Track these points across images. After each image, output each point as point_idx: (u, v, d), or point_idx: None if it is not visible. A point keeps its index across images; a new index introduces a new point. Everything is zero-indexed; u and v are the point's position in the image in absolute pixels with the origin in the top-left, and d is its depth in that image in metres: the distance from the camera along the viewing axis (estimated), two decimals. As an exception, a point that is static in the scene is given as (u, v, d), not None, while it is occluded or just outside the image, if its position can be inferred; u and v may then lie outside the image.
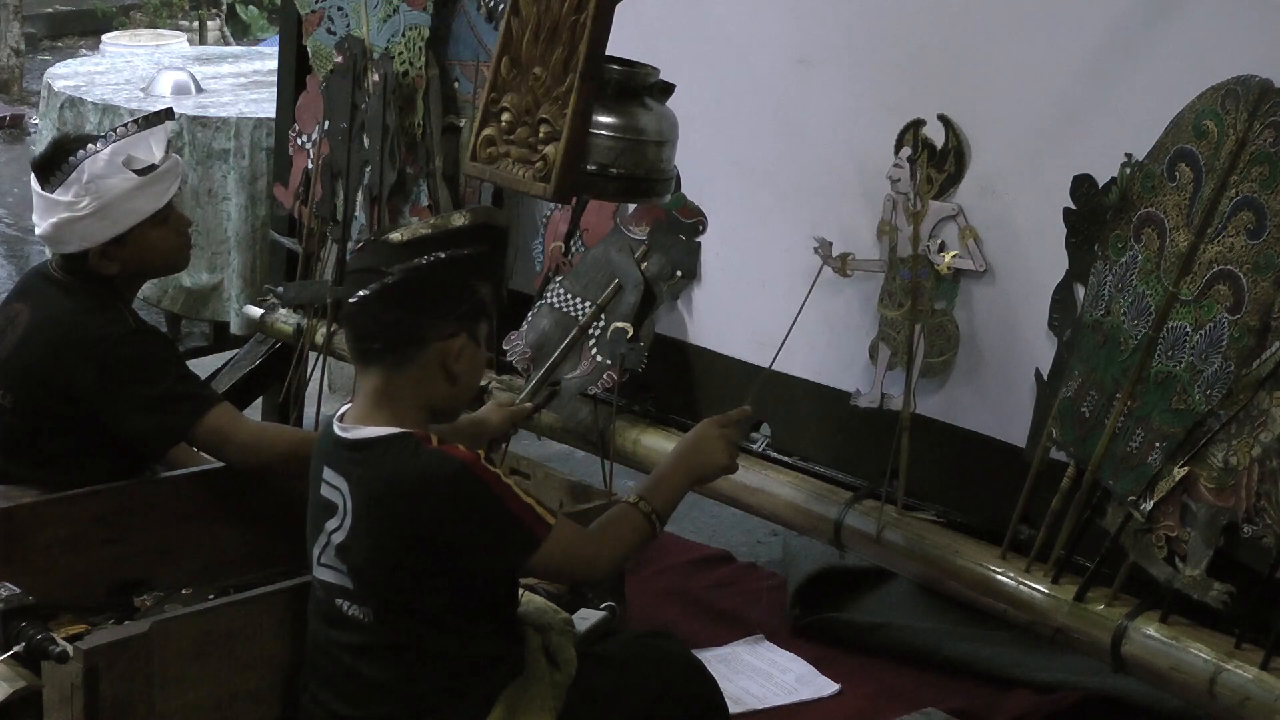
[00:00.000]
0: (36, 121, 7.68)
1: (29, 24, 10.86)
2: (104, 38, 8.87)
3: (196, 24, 10.31)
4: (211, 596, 2.86)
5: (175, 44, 8.28)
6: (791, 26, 3.38)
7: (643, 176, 2.77)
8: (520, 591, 2.66)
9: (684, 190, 3.52)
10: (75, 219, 3.07)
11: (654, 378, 3.62)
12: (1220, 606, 2.67)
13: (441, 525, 2.42)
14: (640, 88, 2.78)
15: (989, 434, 3.15)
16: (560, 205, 3.48)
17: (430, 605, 2.47)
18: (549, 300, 3.70)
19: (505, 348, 3.71)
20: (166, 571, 3.08)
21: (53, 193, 3.07)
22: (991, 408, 3.14)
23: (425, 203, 4.03)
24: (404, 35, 3.99)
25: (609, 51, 2.72)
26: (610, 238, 3.66)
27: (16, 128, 9.34)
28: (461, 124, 3.94)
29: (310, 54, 4.26)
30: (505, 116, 2.79)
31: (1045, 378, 3.01)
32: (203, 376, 3.84)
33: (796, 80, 3.38)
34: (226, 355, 4.80)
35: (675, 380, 3.67)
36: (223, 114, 5.26)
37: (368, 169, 4.03)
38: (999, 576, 3.01)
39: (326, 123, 4.10)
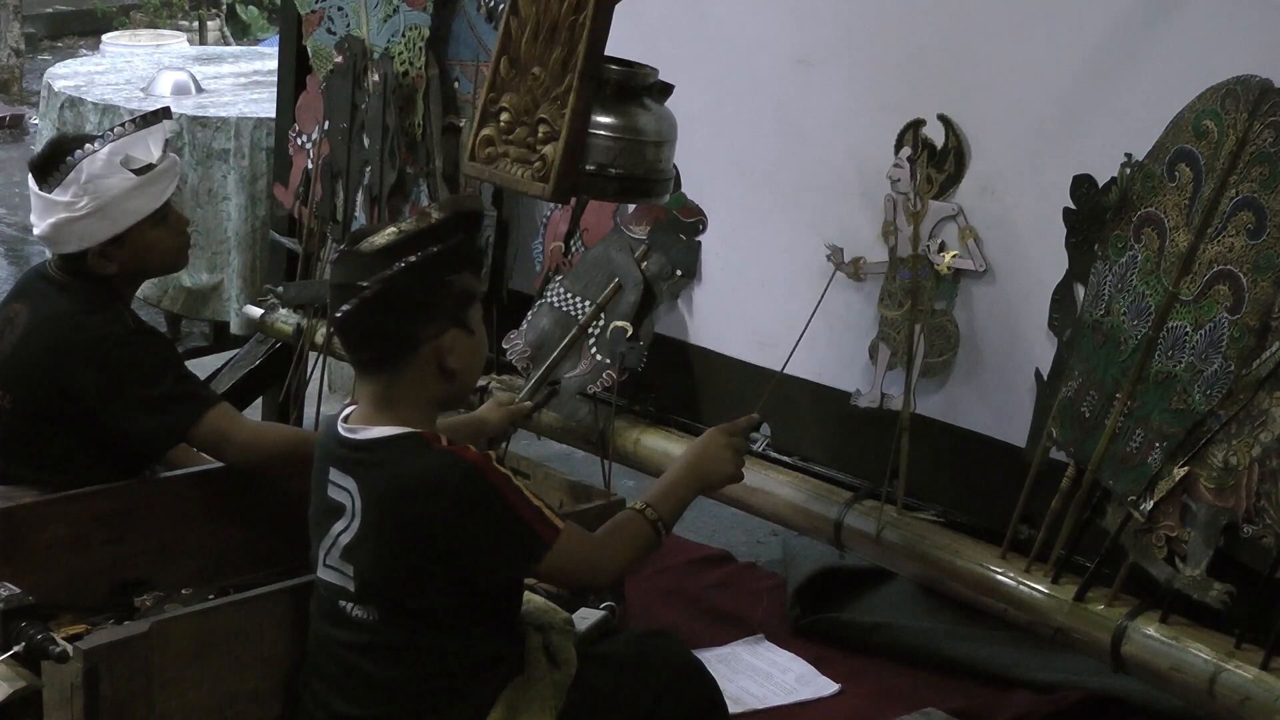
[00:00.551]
0: (36, 121, 7.68)
1: (29, 24, 10.85)
2: (104, 38, 8.87)
3: (196, 24, 10.31)
4: (211, 596, 2.86)
5: (175, 44, 8.28)
6: (791, 26, 3.38)
7: (642, 176, 2.77)
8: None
9: (684, 190, 3.52)
10: (73, 219, 3.06)
11: (654, 377, 3.62)
12: (1220, 606, 2.68)
13: (450, 527, 2.42)
14: (639, 88, 2.78)
15: (989, 434, 3.15)
16: (560, 205, 3.48)
17: (435, 606, 2.47)
18: (549, 300, 3.70)
19: (505, 346, 3.71)
20: (166, 571, 3.08)
21: (51, 193, 3.07)
22: (991, 408, 3.14)
23: (425, 203, 4.03)
24: (404, 35, 3.99)
25: (608, 51, 2.72)
26: (610, 237, 3.67)
27: (16, 128, 9.34)
28: (461, 124, 3.94)
29: (310, 54, 4.26)
30: (504, 116, 2.79)
31: (1045, 378, 3.01)
32: (203, 376, 3.84)
33: (796, 80, 3.38)
34: (226, 355, 4.80)
35: (675, 380, 3.67)
36: (223, 114, 5.26)
37: (368, 169, 4.03)
38: (999, 576, 3.01)
39: (326, 123, 4.10)
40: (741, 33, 3.47)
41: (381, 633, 2.48)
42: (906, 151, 3.16)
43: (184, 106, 5.29)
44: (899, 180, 3.17)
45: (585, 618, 2.78)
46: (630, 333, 3.50)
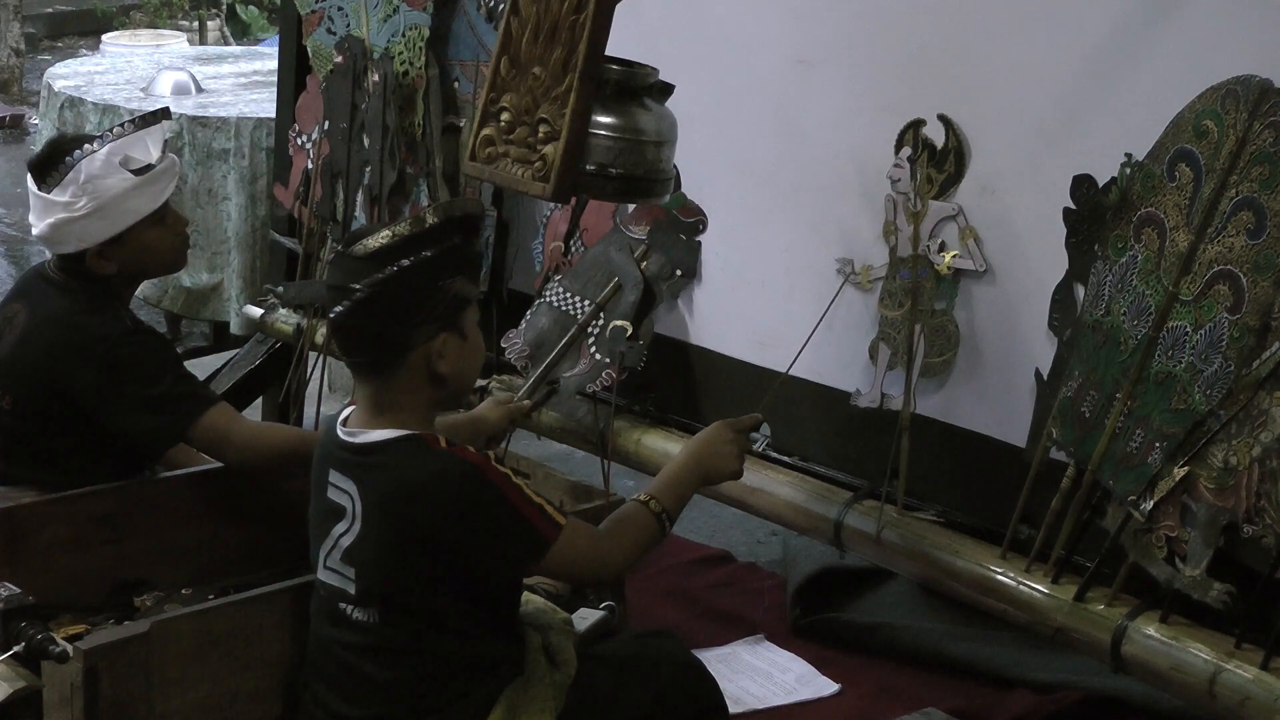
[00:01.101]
0: (36, 121, 7.69)
1: (29, 24, 10.85)
2: (104, 38, 8.87)
3: (196, 24, 10.31)
4: (211, 596, 2.86)
5: (175, 44, 8.28)
6: (791, 26, 3.38)
7: (642, 176, 2.77)
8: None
9: (684, 190, 3.52)
10: (72, 219, 3.06)
11: (654, 377, 3.62)
12: (1220, 606, 2.67)
13: (451, 528, 2.42)
14: (640, 88, 2.77)
15: (989, 434, 3.15)
16: (560, 205, 3.48)
17: (436, 607, 2.47)
18: (548, 299, 3.70)
19: (504, 346, 3.71)
20: (166, 571, 3.08)
21: (49, 193, 3.07)
22: (991, 408, 3.14)
23: (425, 203, 4.03)
24: (404, 35, 3.99)
25: (608, 51, 2.72)
26: (610, 237, 3.67)
27: (16, 128, 9.34)
28: (461, 124, 3.94)
29: (310, 54, 4.26)
30: (504, 116, 2.79)
31: (1045, 378, 3.01)
32: (202, 376, 3.84)
33: (796, 80, 3.38)
34: (226, 355, 4.80)
35: (675, 380, 3.67)
36: (223, 114, 5.26)
37: (368, 169, 4.03)
38: (999, 576, 3.01)
39: (326, 123, 4.10)
40: (741, 33, 3.47)
41: (382, 634, 2.48)
42: (906, 151, 3.16)
43: (184, 106, 5.29)
44: (899, 180, 3.17)
45: (585, 618, 2.78)
46: (630, 332, 3.50)
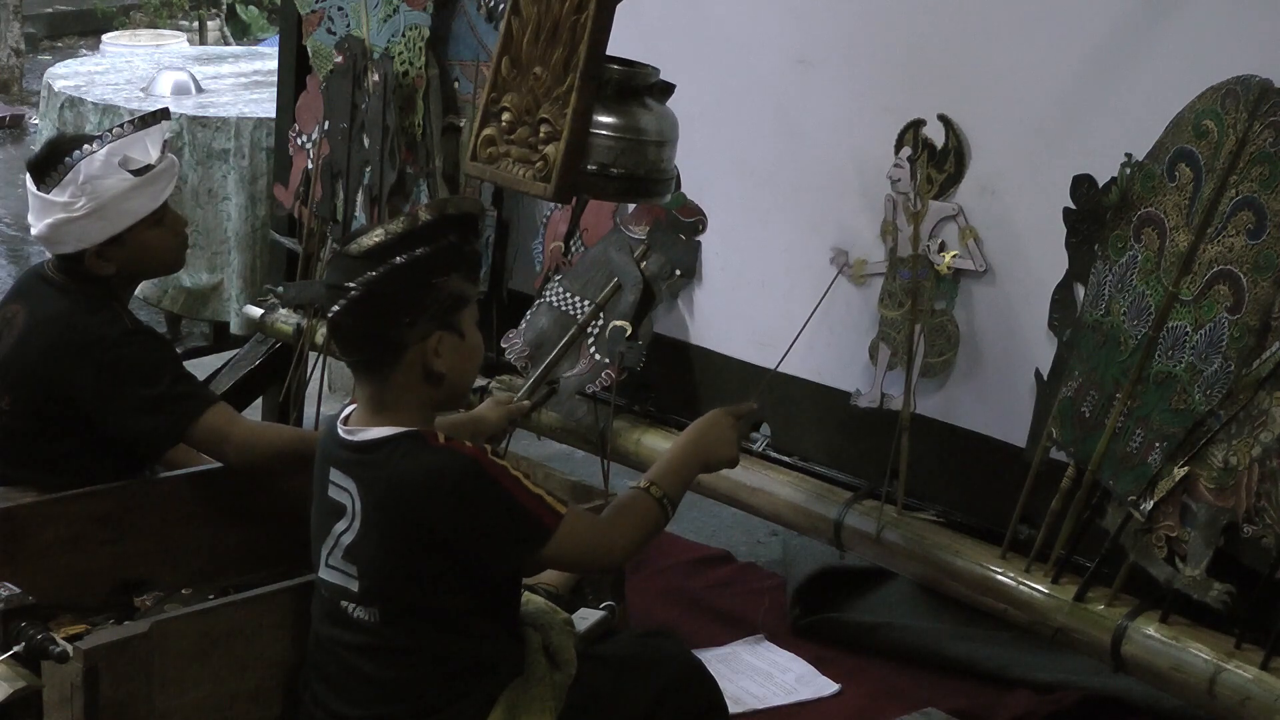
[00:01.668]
0: (36, 121, 7.68)
1: (29, 24, 10.85)
2: (104, 38, 8.86)
3: (196, 24, 10.31)
4: (211, 596, 2.86)
5: (175, 44, 8.27)
6: (791, 26, 3.38)
7: (643, 176, 2.77)
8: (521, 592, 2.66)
9: (684, 190, 3.52)
10: (71, 219, 3.06)
11: (654, 377, 3.62)
12: (1220, 606, 2.68)
13: (452, 522, 2.42)
14: (640, 88, 2.78)
15: (989, 434, 3.15)
16: (560, 205, 3.48)
17: (437, 606, 2.47)
18: (548, 299, 3.70)
19: (504, 346, 3.71)
20: (166, 571, 3.08)
21: (49, 193, 3.07)
22: (991, 408, 3.14)
23: (425, 203, 4.03)
24: (404, 35, 3.99)
25: (609, 51, 2.72)
26: (610, 237, 3.67)
27: (16, 128, 9.33)
28: (461, 124, 3.94)
29: (310, 54, 4.26)
30: (505, 116, 2.79)
31: (1045, 378, 3.01)
32: (202, 376, 3.84)
33: (796, 80, 3.38)
34: (226, 355, 4.79)
35: (675, 380, 3.67)
36: (223, 114, 5.26)
37: (368, 169, 4.03)
38: (999, 576, 3.01)
39: (326, 123, 4.10)
40: (741, 33, 3.47)
41: (382, 634, 2.48)
42: (906, 151, 3.16)
43: (184, 106, 5.29)
44: (899, 180, 3.17)
45: (585, 618, 2.78)
46: (629, 332, 3.50)
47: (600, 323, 3.59)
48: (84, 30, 11.64)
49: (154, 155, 3.12)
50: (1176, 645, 2.75)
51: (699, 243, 3.58)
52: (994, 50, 3.07)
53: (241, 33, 10.40)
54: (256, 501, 3.19)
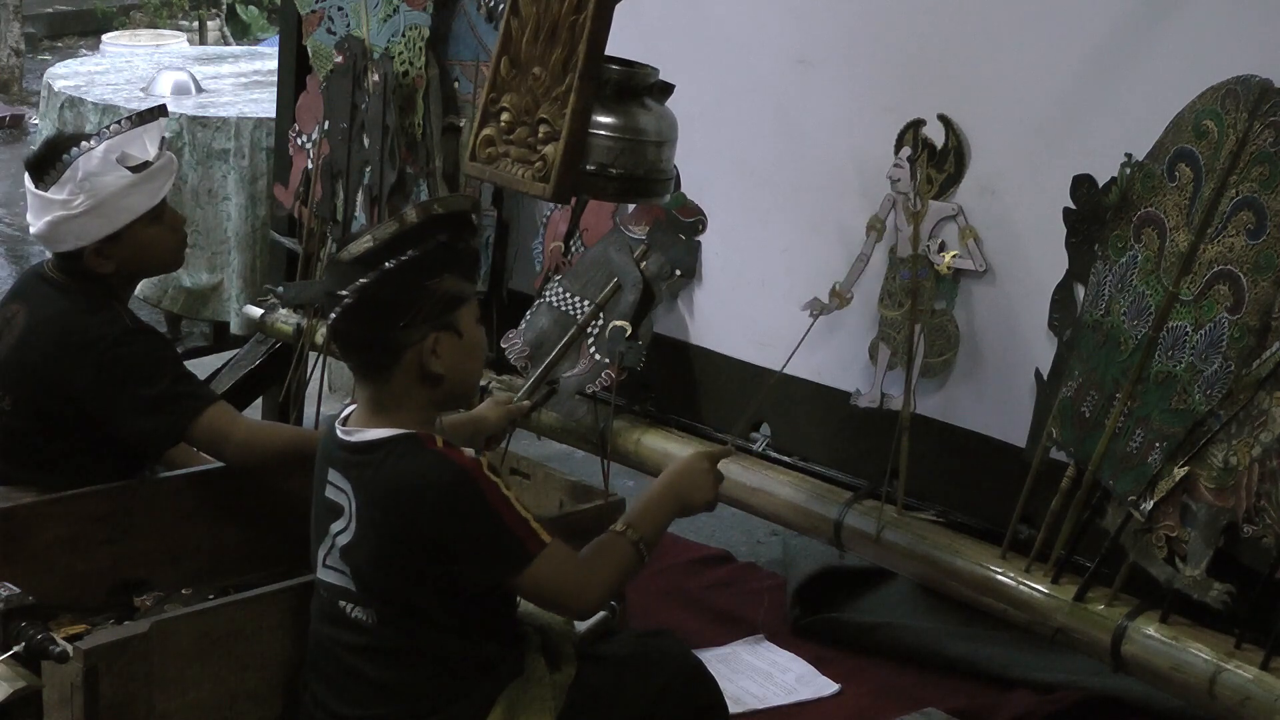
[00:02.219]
0: (36, 121, 7.68)
1: (29, 24, 10.85)
2: (104, 38, 8.86)
3: (196, 24, 10.31)
4: (211, 596, 2.86)
5: (175, 44, 8.27)
6: (791, 26, 3.38)
7: (642, 176, 2.77)
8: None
9: (684, 190, 3.52)
10: (70, 217, 3.06)
11: (654, 377, 3.62)
12: (1220, 606, 2.67)
13: (436, 528, 2.42)
14: (640, 88, 2.77)
15: (989, 434, 3.15)
16: (560, 205, 3.48)
17: (431, 607, 2.47)
18: (547, 299, 3.69)
19: (504, 346, 3.71)
20: (166, 571, 3.08)
21: (47, 191, 3.07)
22: (991, 408, 3.14)
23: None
24: (404, 35, 3.99)
25: (609, 51, 2.72)
26: (609, 237, 3.66)
27: (16, 128, 9.33)
28: (461, 124, 3.94)
29: (310, 54, 4.26)
30: (505, 116, 2.79)
31: (1045, 378, 3.01)
32: (202, 376, 3.84)
33: (796, 80, 3.38)
34: (226, 355, 4.79)
35: (675, 380, 3.67)
36: (223, 114, 5.26)
37: (368, 169, 4.03)
38: (999, 576, 3.01)
39: (326, 123, 4.10)
40: (741, 33, 3.47)
41: (381, 634, 2.48)
42: (906, 151, 3.16)
43: (184, 106, 5.29)
44: (899, 180, 3.17)
45: (585, 618, 2.78)
46: (629, 332, 3.50)
47: (600, 323, 3.59)
48: (84, 30, 11.64)
49: (152, 152, 3.11)
50: (1176, 645, 2.75)
51: (699, 243, 3.58)
52: (994, 50, 3.07)
53: (241, 33, 10.40)
54: (256, 501, 3.20)
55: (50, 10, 12.00)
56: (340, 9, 4.17)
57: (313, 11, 4.24)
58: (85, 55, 10.07)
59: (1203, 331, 2.74)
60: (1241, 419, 2.67)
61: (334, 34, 4.16)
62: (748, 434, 3.49)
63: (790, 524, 3.43)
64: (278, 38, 4.70)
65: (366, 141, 4.01)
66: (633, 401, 3.66)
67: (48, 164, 3.09)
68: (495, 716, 2.49)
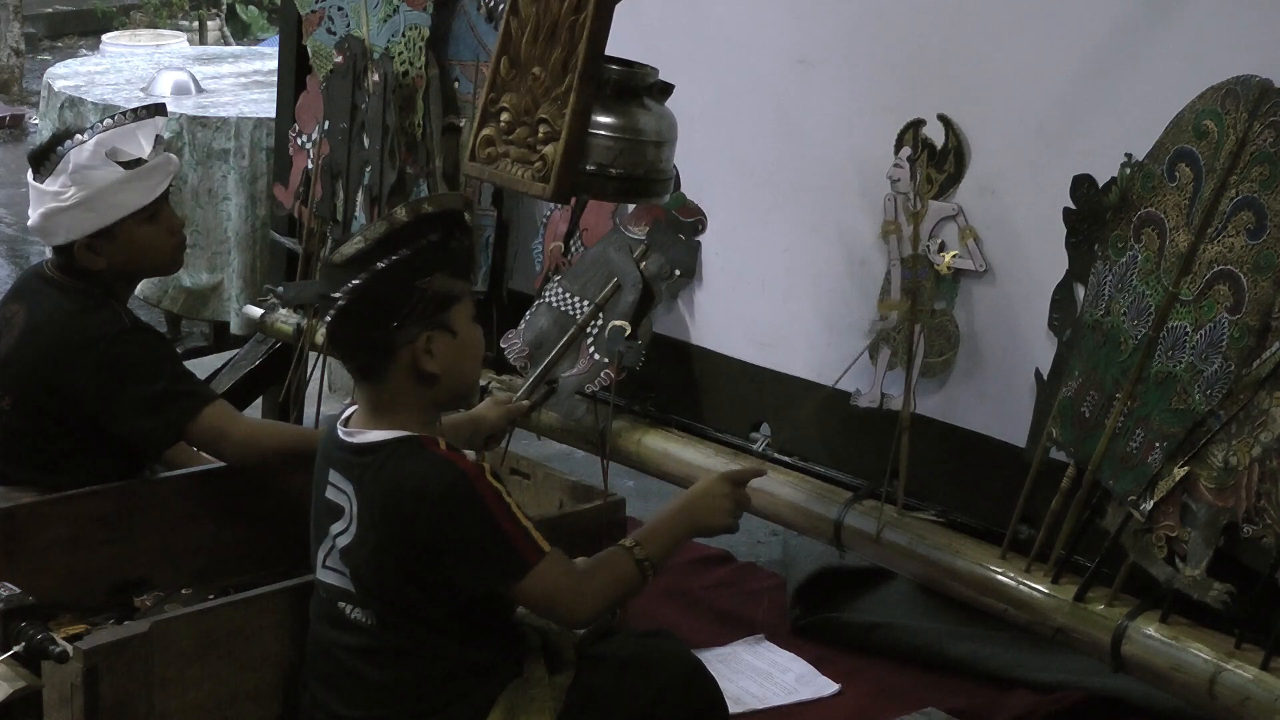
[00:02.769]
0: (37, 121, 7.68)
1: (29, 24, 10.85)
2: (104, 38, 8.86)
3: (196, 24, 10.30)
4: (211, 596, 2.86)
5: (175, 44, 8.27)
6: (791, 26, 3.38)
7: (642, 176, 2.77)
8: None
9: (684, 190, 3.52)
10: (61, 209, 3.07)
11: (654, 377, 3.62)
12: (1220, 606, 2.67)
13: (433, 531, 2.42)
14: (639, 88, 2.77)
15: (989, 434, 3.15)
16: (559, 205, 3.48)
17: (430, 608, 2.47)
18: (547, 299, 3.69)
19: (503, 345, 3.71)
20: (166, 571, 3.08)
21: (43, 183, 3.08)
22: (991, 408, 3.14)
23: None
24: (404, 35, 3.98)
25: (608, 51, 2.72)
26: (609, 237, 3.66)
27: (16, 128, 9.33)
28: (461, 124, 3.94)
29: (310, 54, 4.26)
30: (504, 116, 2.79)
31: (1045, 378, 3.01)
32: (203, 376, 3.84)
33: (796, 80, 3.38)
34: (226, 355, 4.79)
35: (675, 380, 3.67)
36: (223, 114, 5.26)
37: (368, 169, 4.03)
38: (999, 576, 3.01)
39: (326, 123, 4.10)
40: (741, 33, 3.47)
41: (380, 635, 2.48)
42: (906, 151, 3.16)
43: (184, 106, 5.29)
44: (899, 180, 3.17)
45: (585, 618, 2.78)
46: (628, 332, 3.50)
47: (600, 323, 3.59)
48: (84, 30, 11.63)
49: (146, 149, 3.11)
50: (1176, 645, 2.75)
51: (699, 243, 3.58)
52: (994, 50, 3.07)
53: (241, 33, 10.40)
54: (256, 501, 3.20)
55: (50, 10, 12.00)
56: (340, 9, 4.17)
57: (313, 11, 4.23)
58: (85, 55, 10.07)
59: (1203, 331, 2.74)
60: (1241, 419, 2.67)
61: (334, 34, 4.16)
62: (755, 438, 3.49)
63: (790, 524, 3.43)
64: (278, 38, 4.70)
65: (366, 141, 4.01)
66: (633, 401, 3.66)
67: (45, 156, 3.10)
68: (494, 717, 2.49)
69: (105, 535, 3.04)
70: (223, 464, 3.15)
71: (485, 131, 2.82)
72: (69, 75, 5.87)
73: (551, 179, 2.70)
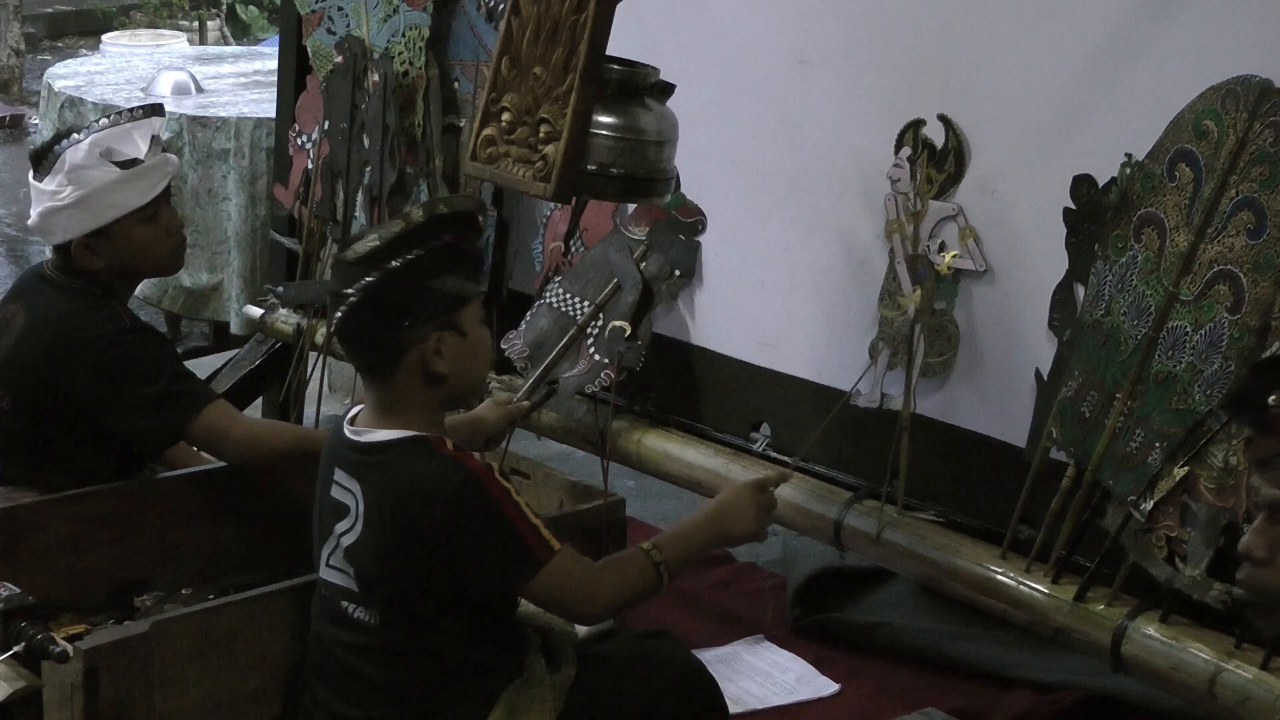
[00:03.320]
0: (37, 121, 7.69)
1: (29, 24, 10.85)
2: (104, 38, 8.87)
3: (196, 24, 10.31)
4: (211, 596, 2.86)
5: (175, 44, 8.28)
6: (791, 26, 3.38)
7: (643, 176, 2.77)
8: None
9: (684, 190, 3.52)
10: (57, 208, 3.07)
11: (654, 378, 3.62)
12: (1220, 606, 2.67)
13: (444, 532, 2.42)
14: (640, 88, 2.78)
15: (989, 434, 3.15)
16: (560, 205, 3.48)
17: (434, 609, 2.46)
18: (547, 300, 3.70)
19: (503, 346, 3.71)
20: (166, 571, 3.08)
21: (41, 182, 3.09)
22: (991, 408, 3.14)
23: (419, 203, 4.02)
24: (404, 35, 3.99)
25: (609, 51, 2.72)
26: (609, 238, 3.66)
27: (16, 128, 9.34)
28: (461, 124, 3.94)
29: (310, 54, 4.26)
30: (505, 116, 2.79)
31: (1045, 378, 3.01)
32: (203, 376, 3.84)
33: (796, 80, 3.38)
34: (226, 355, 4.80)
35: (675, 380, 3.67)
36: (223, 114, 5.27)
37: (368, 169, 4.03)
38: (999, 576, 3.01)
39: (326, 123, 4.10)
40: (741, 33, 3.47)
41: (382, 635, 2.48)
42: (906, 151, 3.16)
43: (184, 106, 5.30)
44: (899, 180, 3.17)
45: (585, 618, 2.78)
46: (628, 332, 3.50)
47: (600, 323, 3.59)
48: (84, 30, 11.64)
49: (142, 150, 3.11)
50: (1176, 645, 2.75)
51: (699, 243, 3.58)
52: (994, 50, 3.07)
53: (241, 33, 10.40)
54: (256, 501, 3.19)
55: (50, 10, 12.00)
56: (340, 9, 4.17)
57: (313, 11, 4.24)
58: (85, 55, 10.07)
59: (1203, 331, 2.74)
60: (1241, 419, 2.67)
61: (334, 34, 4.16)
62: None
63: (790, 524, 3.43)
64: (278, 38, 4.70)
65: (366, 141, 4.01)
66: (633, 402, 3.66)
67: (44, 155, 3.10)
68: (495, 717, 2.49)
69: (105, 535, 3.04)
70: (223, 464, 3.15)
71: (486, 131, 2.82)
72: (69, 75, 5.87)
73: (552, 179, 2.70)
